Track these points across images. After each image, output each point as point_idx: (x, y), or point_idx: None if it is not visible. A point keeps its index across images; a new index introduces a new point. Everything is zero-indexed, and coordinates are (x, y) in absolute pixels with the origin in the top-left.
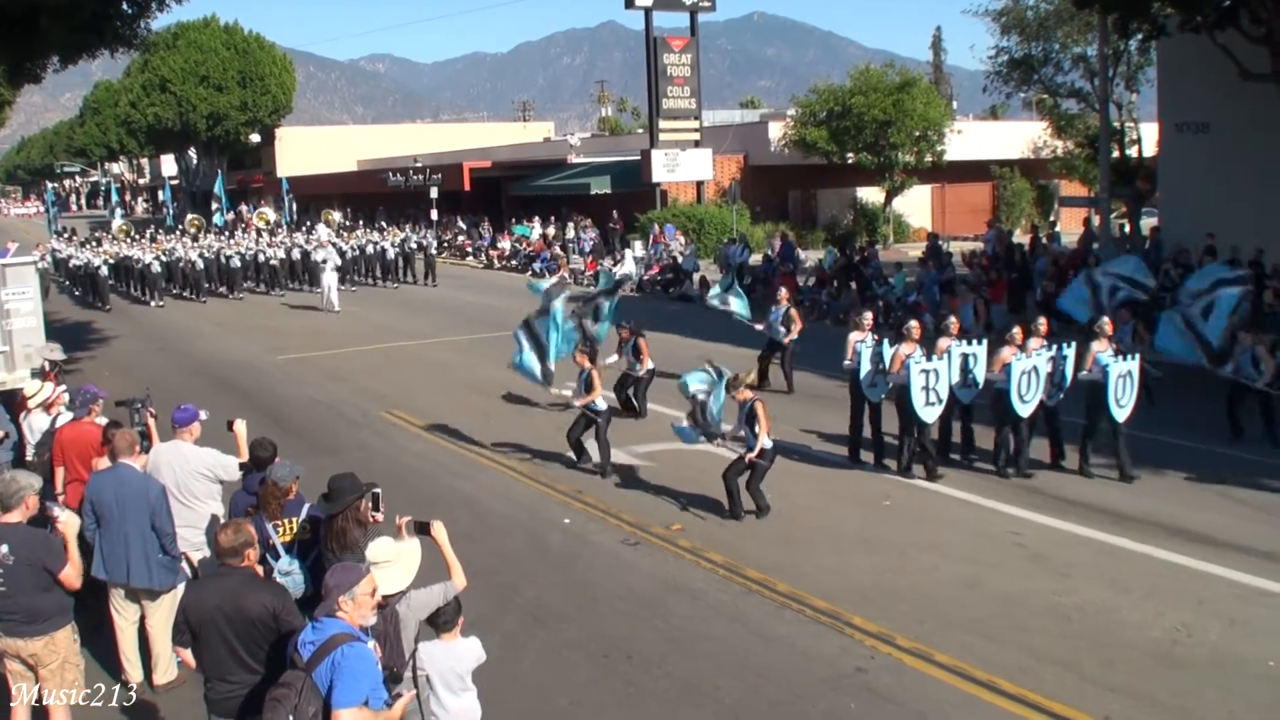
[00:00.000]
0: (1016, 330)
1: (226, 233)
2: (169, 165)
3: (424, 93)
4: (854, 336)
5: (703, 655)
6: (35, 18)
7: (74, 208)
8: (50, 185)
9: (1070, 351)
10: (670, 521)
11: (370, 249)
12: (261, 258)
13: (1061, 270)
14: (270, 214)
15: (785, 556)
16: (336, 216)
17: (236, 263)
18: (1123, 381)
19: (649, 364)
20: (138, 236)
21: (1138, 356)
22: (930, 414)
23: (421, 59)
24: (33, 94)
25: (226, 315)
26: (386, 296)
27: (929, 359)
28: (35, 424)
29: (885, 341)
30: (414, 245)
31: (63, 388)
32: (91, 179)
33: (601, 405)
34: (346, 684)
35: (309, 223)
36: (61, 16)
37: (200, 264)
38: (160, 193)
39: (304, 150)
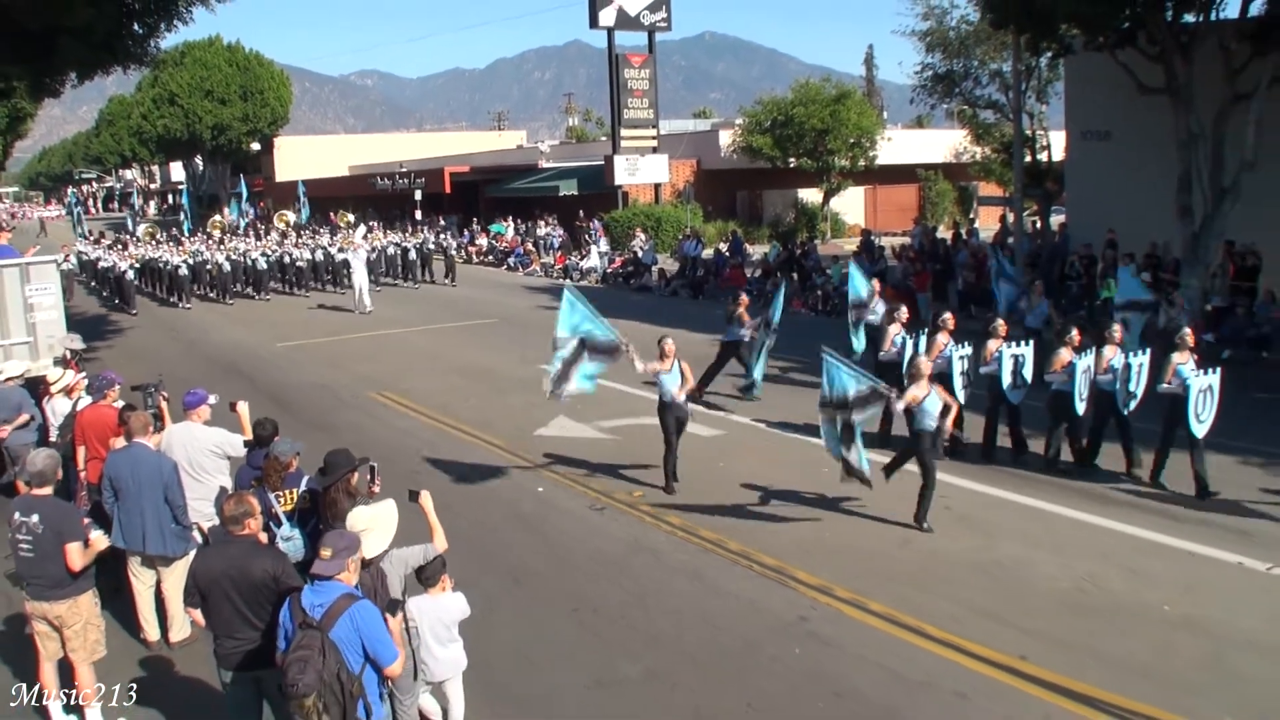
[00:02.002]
0: (1075, 332)
1: (252, 234)
2: (178, 171)
3: (409, 105)
4: (893, 329)
5: (663, 608)
6: (55, 37)
7: (92, 210)
8: (72, 190)
9: (1145, 359)
10: (632, 489)
11: (391, 249)
12: (287, 259)
13: (980, 262)
14: (290, 216)
15: (736, 519)
16: (351, 218)
17: (263, 264)
18: (1204, 396)
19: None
20: (163, 239)
21: (1219, 371)
22: (964, 395)
23: (407, 74)
24: (53, 107)
25: (235, 310)
26: (404, 295)
27: (961, 346)
28: (58, 408)
29: (920, 333)
30: (432, 246)
31: (83, 374)
32: (107, 184)
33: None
34: (381, 642)
35: (326, 224)
36: (79, 36)
37: (227, 266)
38: (172, 196)
39: (300, 157)
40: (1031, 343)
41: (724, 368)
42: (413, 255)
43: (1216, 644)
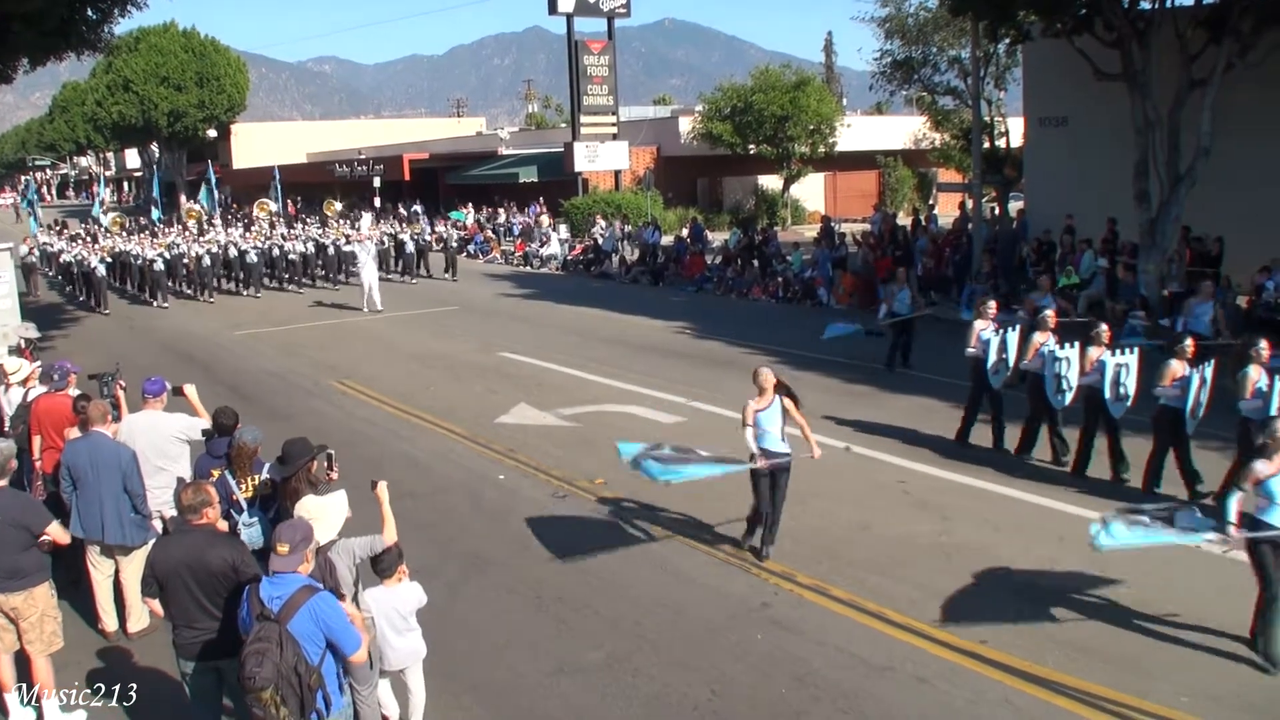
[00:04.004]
0: (1189, 342)
1: (240, 223)
2: (133, 159)
3: (367, 91)
4: (979, 324)
5: (624, 594)
6: (6, 23)
7: (46, 198)
8: (25, 178)
9: None
10: (594, 476)
11: (385, 241)
12: (277, 251)
13: (939, 248)
14: (272, 204)
15: (697, 505)
16: (339, 206)
17: (253, 257)
18: None
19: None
20: (132, 229)
21: None
22: (1060, 401)
23: (364, 60)
24: (5, 94)
25: (218, 307)
26: (391, 290)
27: (1061, 348)
28: (12, 398)
29: (1008, 329)
30: (427, 238)
31: (37, 363)
32: (61, 171)
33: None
34: (344, 631)
35: (309, 214)
36: (31, 22)
37: (206, 260)
38: (128, 184)
39: (258, 144)
40: (1136, 351)
41: (911, 340)
42: (409, 248)
43: (1174, 627)
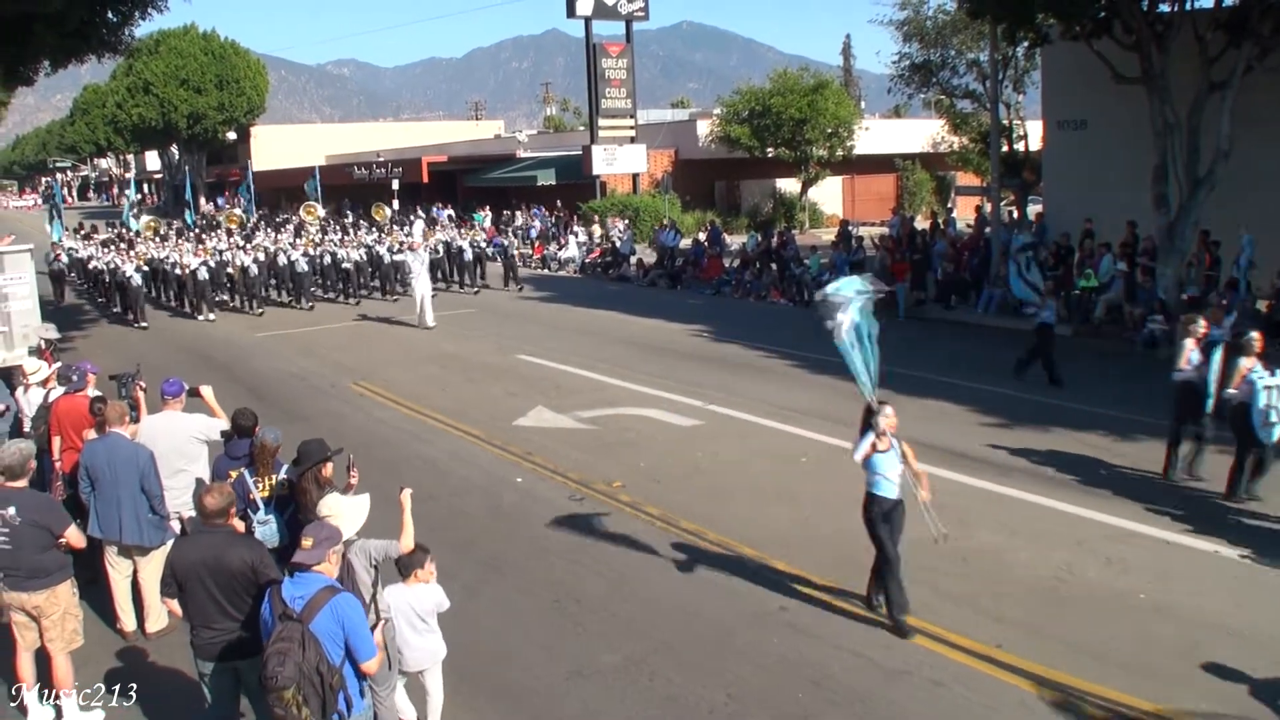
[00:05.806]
0: (1255, 335)
1: (290, 229)
2: (153, 161)
3: (385, 94)
4: (1188, 344)
5: (642, 597)
6: (29, 26)
7: (68, 200)
8: (47, 180)
9: None
10: (611, 479)
11: (439, 250)
12: (328, 259)
13: (959, 252)
14: (319, 209)
15: (715, 509)
16: (388, 211)
17: (303, 265)
18: None
19: None
20: (167, 233)
21: None
22: (1269, 434)
23: (383, 63)
24: (26, 96)
25: (268, 320)
26: (451, 301)
27: (1273, 374)
28: (32, 399)
29: (1213, 351)
30: (483, 245)
31: (57, 364)
32: (82, 173)
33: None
34: (361, 636)
35: (350, 218)
36: (52, 24)
37: (254, 269)
38: (148, 186)
39: (277, 147)
40: None
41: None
42: (468, 255)
43: (1191, 631)
